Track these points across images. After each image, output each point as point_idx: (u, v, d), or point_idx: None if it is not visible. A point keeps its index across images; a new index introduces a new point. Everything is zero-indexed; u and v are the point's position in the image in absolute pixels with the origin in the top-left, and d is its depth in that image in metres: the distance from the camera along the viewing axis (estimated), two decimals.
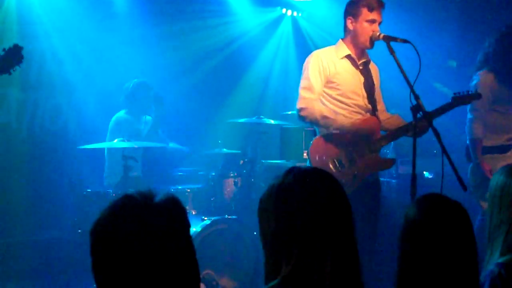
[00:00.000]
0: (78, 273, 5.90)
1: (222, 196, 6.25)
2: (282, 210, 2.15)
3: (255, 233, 5.88)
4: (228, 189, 6.25)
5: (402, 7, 7.61)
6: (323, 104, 4.79)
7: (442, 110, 4.64)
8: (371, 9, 4.67)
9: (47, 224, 6.97)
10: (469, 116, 5.56)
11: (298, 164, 6.29)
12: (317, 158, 4.66)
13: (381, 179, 7.00)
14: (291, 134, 6.95)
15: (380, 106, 5.00)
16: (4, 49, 4.65)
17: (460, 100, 4.72)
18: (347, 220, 2.17)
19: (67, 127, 7.92)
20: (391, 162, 4.90)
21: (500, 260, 2.55)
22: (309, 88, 4.74)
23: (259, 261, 5.71)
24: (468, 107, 5.53)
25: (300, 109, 4.74)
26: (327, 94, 4.79)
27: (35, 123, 7.71)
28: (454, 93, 4.72)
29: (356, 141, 4.65)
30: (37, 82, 7.69)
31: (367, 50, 4.88)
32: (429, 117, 4.07)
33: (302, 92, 4.76)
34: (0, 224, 6.60)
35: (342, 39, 4.89)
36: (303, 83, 4.79)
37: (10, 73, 4.67)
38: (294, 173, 2.21)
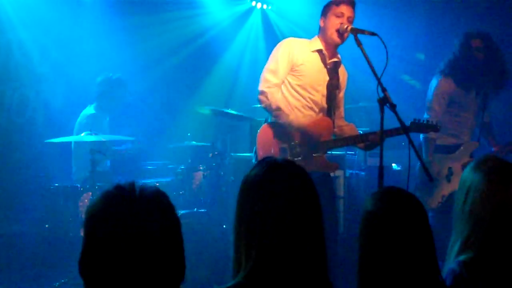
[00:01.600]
0: (45, 267, 5.85)
1: (191, 190, 6.24)
2: (248, 202, 2.19)
3: (224, 226, 5.88)
4: (197, 183, 6.24)
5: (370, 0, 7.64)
6: (282, 90, 4.83)
7: (397, 131, 4.52)
8: (337, 4, 4.71)
9: (13, 218, 6.89)
10: (425, 116, 5.67)
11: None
12: (262, 144, 4.74)
13: (350, 171, 7.10)
14: (260, 127, 6.93)
15: (339, 112, 5.06)
16: None
17: (417, 127, 4.74)
18: (315, 213, 2.20)
19: (34, 119, 7.82)
20: (335, 166, 4.94)
21: (461, 257, 2.57)
22: (275, 72, 4.77)
23: (228, 254, 5.71)
24: (426, 106, 5.67)
25: (261, 92, 4.78)
26: (288, 81, 4.82)
27: (1, 115, 7.60)
28: (414, 119, 4.74)
29: (303, 138, 4.70)
30: (3, 74, 7.58)
31: (340, 54, 4.91)
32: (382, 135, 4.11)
33: (266, 75, 4.80)
34: None
35: (316, 35, 4.92)
36: (270, 65, 4.82)
37: None
38: (263, 164, 2.24)
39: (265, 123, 4.84)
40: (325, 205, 4.60)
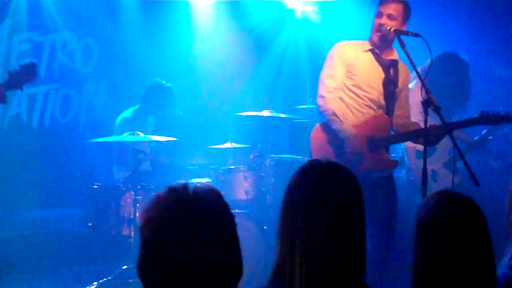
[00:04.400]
0: (87, 265, 5.93)
1: (232, 190, 6.23)
2: (290, 205, 2.18)
3: (265, 227, 5.88)
4: (238, 183, 6.23)
5: (413, 0, 7.56)
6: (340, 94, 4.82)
7: (461, 124, 4.64)
8: (380, 4, 4.68)
9: (57, 217, 6.99)
10: None
11: (306, 159, 6.26)
12: (316, 145, 4.76)
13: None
14: (301, 128, 6.91)
15: (402, 111, 4.92)
16: (20, 65, 4.75)
17: (487, 119, 4.55)
18: (357, 216, 2.18)
19: (77, 119, 7.96)
20: (395, 163, 4.84)
21: None
22: (332, 76, 4.77)
23: (268, 255, 5.70)
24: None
25: (320, 95, 4.80)
26: (344, 84, 4.79)
27: (45, 115, 7.75)
28: (482, 111, 4.63)
29: (357, 141, 4.64)
30: (48, 75, 7.74)
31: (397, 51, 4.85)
32: (448, 127, 4.07)
33: (325, 79, 4.80)
34: (10, 216, 6.63)
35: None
36: (327, 70, 4.82)
37: (22, 89, 4.79)
38: (306, 167, 2.24)
39: (318, 123, 4.84)
40: (384, 208, 4.61)
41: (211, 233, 1.73)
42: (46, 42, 7.69)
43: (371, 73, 4.78)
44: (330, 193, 2.15)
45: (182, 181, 1.80)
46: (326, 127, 4.77)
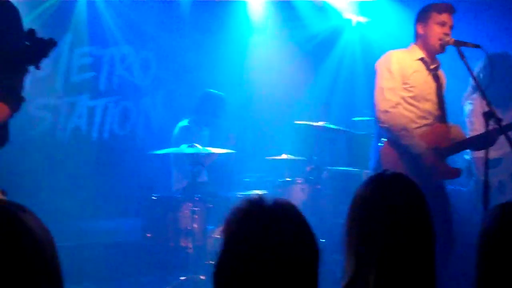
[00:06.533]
0: (145, 276, 5.99)
1: None
2: (357, 220, 2.17)
3: (322, 240, 5.84)
4: (295, 196, 6.20)
5: (472, 11, 7.44)
6: None
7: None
8: (440, 12, 4.60)
9: (116, 227, 7.09)
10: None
11: (365, 171, 6.20)
12: (386, 164, 4.58)
13: (451, 187, 6.87)
14: (358, 141, 6.86)
15: None
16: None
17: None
18: (425, 230, 2.15)
19: (135, 131, 8.07)
20: (458, 172, 4.77)
21: None
22: (394, 90, 4.63)
23: (326, 268, 5.64)
24: (466, 126, 5.61)
25: (384, 111, 4.60)
26: (401, 96, 4.68)
27: (104, 128, 7.88)
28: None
29: (429, 155, 4.57)
30: (107, 87, 7.87)
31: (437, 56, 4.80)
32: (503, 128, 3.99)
33: (387, 93, 4.62)
34: (70, 227, 6.75)
35: (413, 43, 4.80)
36: (387, 83, 4.65)
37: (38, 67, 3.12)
38: (371, 181, 2.22)
39: (386, 142, 4.65)
40: (438, 219, 4.55)
41: (291, 245, 1.70)
42: (106, 55, 7.84)
43: (424, 84, 4.72)
44: (398, 207, 2.14)
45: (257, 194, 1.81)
46: (396, 145, 4.60)
